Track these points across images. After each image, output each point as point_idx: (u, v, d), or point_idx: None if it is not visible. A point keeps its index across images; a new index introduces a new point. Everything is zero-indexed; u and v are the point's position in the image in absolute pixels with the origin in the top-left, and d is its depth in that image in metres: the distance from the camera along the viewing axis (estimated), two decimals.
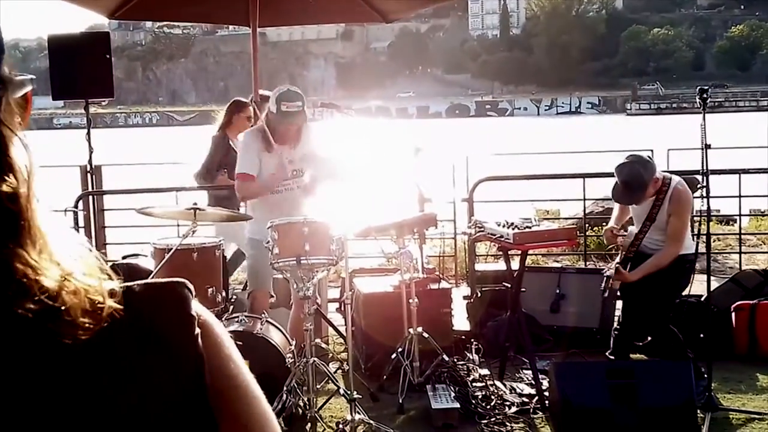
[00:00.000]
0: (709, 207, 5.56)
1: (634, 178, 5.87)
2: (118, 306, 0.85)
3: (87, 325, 0.82)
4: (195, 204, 5.56)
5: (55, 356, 0.81)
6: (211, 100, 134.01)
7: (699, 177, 5.90)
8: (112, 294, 0.86)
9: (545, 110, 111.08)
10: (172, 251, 5.41)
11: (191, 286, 0.92)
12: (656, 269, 5.95)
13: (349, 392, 5.36)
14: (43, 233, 0.83)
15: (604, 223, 10.40)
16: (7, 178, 0.81)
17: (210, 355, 0.90)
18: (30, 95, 0.89)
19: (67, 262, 0.84)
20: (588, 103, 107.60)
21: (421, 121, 76.93)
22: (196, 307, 0.91)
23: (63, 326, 0.81)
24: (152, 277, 5.44)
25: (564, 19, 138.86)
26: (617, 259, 6.15)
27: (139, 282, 0.90)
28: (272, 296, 6.46)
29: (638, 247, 6.06)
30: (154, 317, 0.87)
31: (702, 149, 5.52)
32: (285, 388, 5.34)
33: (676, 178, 6.08)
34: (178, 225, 7.16)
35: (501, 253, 6.73)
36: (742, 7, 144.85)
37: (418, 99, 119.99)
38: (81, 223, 8.77)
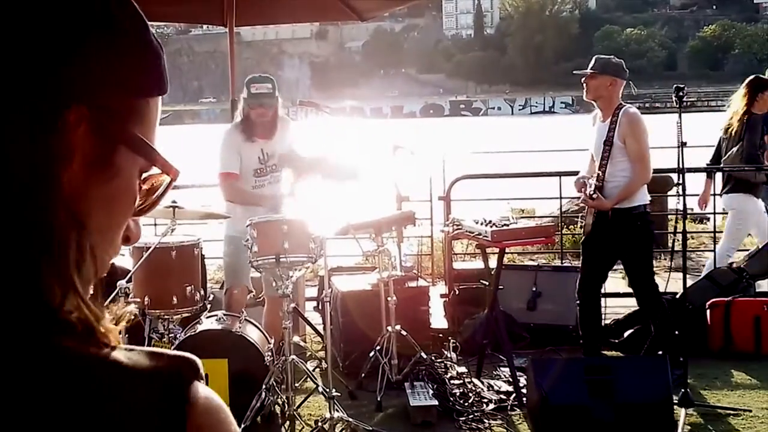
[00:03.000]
0: (685, 205, 5.61)
1: (605, 59, 6.29)
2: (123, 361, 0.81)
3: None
4: (174, 202, 5.54)
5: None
6: (185, 100, 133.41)
7: (673, 175, 5.96)
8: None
9: (519, 110, 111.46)
10: (151, 250, 5.39)
11: (199, 366, 0.85)
12: (629, 193, 6.10)
13: (327, 390, 5.37)
14: (83, 248, 0.80)
15: (579, 221, 10.50)
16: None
17: None
18: (168, 186, 0.91)
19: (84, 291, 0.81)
20: (561, 102, 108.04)
21: (396, 121, 76.97)
22: (199, 390, 0.84)
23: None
24: (131, 276, 5.41)
25: (538, 19, 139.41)
26: (590, 189, 6.19)
27: (142, 348, 0.84)
28: (251, 291, 6.45)
29: (605, 174, 6.15)
30: (146, 387, 0.81)
31: (678, 147, 5.57)
32: (264, 387, 5.33)
33: (628, 105, 6.29)
34: (155, 224, 7.12)
35: (478, 251, 6.76)
36: (714, 7, 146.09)
37: (394, 98, 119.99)
38: None
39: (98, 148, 0.81)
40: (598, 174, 6.17)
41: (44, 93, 0.77)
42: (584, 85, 6.25)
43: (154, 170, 0.88)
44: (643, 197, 6.17)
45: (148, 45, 0.85)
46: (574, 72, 6.48)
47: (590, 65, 6.26)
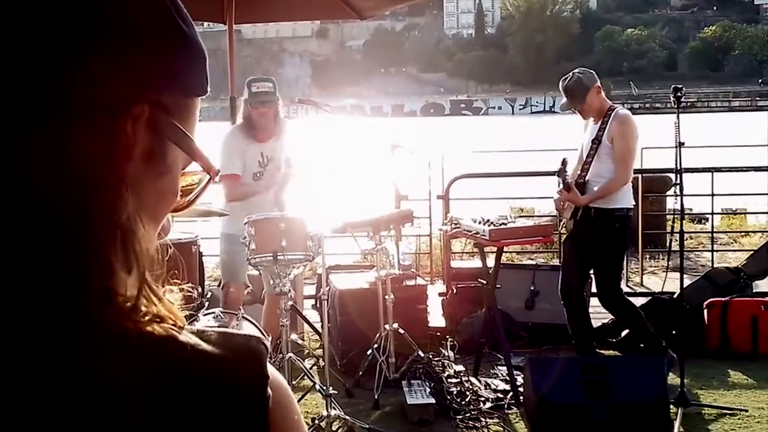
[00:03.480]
0: (682, 204, 5.62)
1: (575, 82, 6.24)
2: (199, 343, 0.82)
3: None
4: None
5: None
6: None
7: (672, 175, 5.97)
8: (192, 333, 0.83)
9: (519, 109, 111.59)
10: None
11: (267, 343, 0.88)
12: (607, 193, 6.13)
13: (324, 388, 5.37)
14: (137, 242, 0.81)
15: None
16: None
17: (279, 419, 0.86)
18: (207, 184, 0.92)
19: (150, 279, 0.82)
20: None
21: (396, 120, 76.98)
22: (272, 370, 0.87)
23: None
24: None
25: (538, 18, 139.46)
26: (567, 176, 6.20)
27: (215, 329, 0.86)
28: (248, 286, 6.45)
29: (587, 172, 6.20)
30: (227, 369, 0.83)
31: (676, 147, 5.57)
32: None
33: (620, 107, 6.35)
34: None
35: (476, 250, 6.76)
36: (715, 8, 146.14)
37: (393, 97, 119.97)
38: None
39: (154, 144, 0.83)
40: (581, 171, 6.20)
41: (113, 89, 0.79)
42: (579, 112, 6.31)
43: (189, 168, 0.90)
44: (628, 200, 6.20)
45: (199, 45, 0.88)
46: (564, 111, 6.53)
47: (570, 95, 6.27)
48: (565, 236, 6.51)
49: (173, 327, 0.82)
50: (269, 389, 0.85)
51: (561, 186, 6.20)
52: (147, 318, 0.81)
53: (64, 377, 0.76)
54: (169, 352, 0.80)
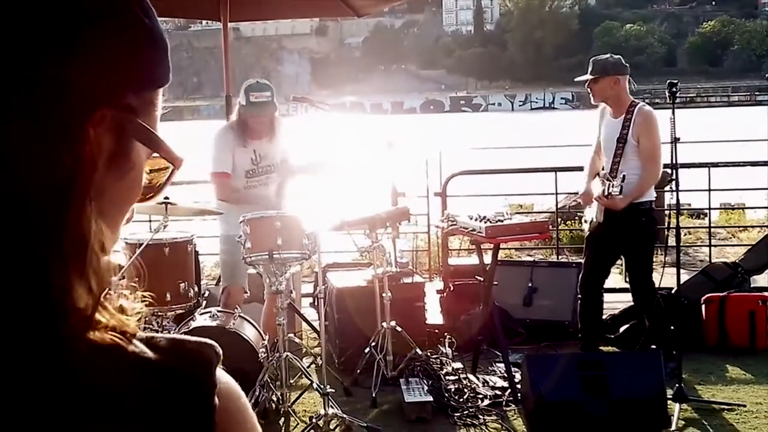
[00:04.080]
0: (678, 200, 5.62)
1: (604, 61, 6.26)
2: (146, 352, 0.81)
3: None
4: (166, 198, 5.54)
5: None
6: (184, 96, 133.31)
7: (669, 170, 5.95)
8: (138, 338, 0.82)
9: (519, 105, 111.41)
10: (143, 246, 5.38)
11: (219, 350, 0.86)
12: (642, 192, 6.07)
13: (322, 386, 5.37)
14: (97, 244, 0.80)
15: (576, 217, 10.50)
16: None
17: (226, 428, 0.83)
18: (172, 174, 0.90)
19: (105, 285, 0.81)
20: (561, 98, 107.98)
21: (396, 117, 76.97)
22: (221, 375, 0.84)
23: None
24: (123, 272, 5.42)
25: (537, 14, 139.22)
26: (606, 189, 6.13)
27: (164, 335, 0.84)
28: (246, 292, 6.45)
29: (617, 172, 6.12)
30: (172, 377, 0.81)
31: (671, 143, 5.57)
32: (258, 383, 5.33)
33: (642, 103, 6.29)
34: (150, 220, 7.11)
35: (474, 247, 6.75)
36: (713, 3, 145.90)
37: (392, 94, 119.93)
38: None
39: (119, 146, 0.82)
40: (610, 171, 6.14)
41: (72, 97, 0.77)
42: (589, 90, 6.25)
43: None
44: (650, 194, 6.18)
45: (161, 37, 0.86)
46: (576, 79, 6.48)
47: (589, 69, 6.24)
48: (588, 234, 6.42)
49: (122, 336, 0.80)
50: (216, 398, 0.82)
51: (601, 193, 6.08)
52: (98, 329, 0.79)
53: (13, 391, 0.75)
54: (115, 363, 0.79)
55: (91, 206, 0.78)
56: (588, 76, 6.24)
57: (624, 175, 6.03)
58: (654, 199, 6.27)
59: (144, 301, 0.87)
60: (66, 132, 0.77)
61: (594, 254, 6.39)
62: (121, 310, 0.83)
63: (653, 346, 6.20)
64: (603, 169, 6.22)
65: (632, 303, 6.65)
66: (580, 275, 6.52)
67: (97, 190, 0.79)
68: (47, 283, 0.76)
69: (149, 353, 0.81)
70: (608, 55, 6.34)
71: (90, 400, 0.77)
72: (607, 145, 6.25)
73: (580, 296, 6.50)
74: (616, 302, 7.42)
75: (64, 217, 0.77)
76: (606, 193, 6.01)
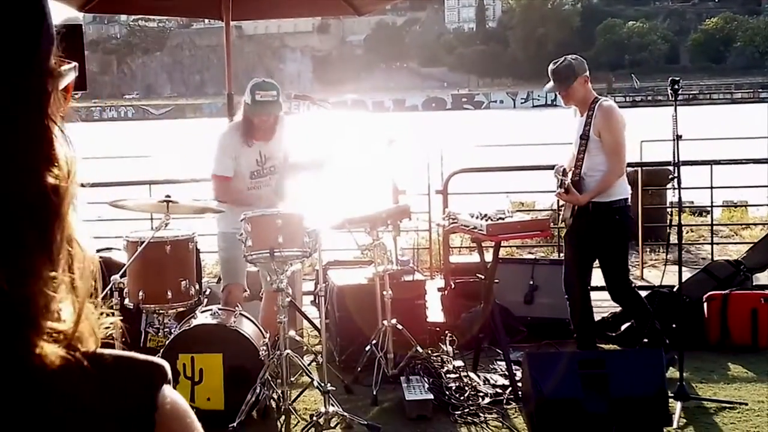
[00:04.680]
0: (680, 198, 5.60)
1: (565, 67, 6.20)
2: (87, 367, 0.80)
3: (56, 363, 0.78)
4: (168, 196, 5.54)
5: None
6: (187, 94, 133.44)
7: (671, 168, 5.95)
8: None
9: (521, 103, 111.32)
10: (145, 244, 5.38)
11: (167, 371, 0.85)
12: (605, 187, 6.09)
13: (323, 384, 5.36)
14: (71, 241, 0.80)
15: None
16: (51, 170, 0.78)
17: None
18: (71, 85, 0.86)
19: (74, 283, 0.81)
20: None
21: (398, 114, 76.96)
22: (166, 394, 0.84)
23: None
24: (125, 270, 5.41)
25: (539, 12, 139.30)
26: (558, 184, 6.19)
27: (112, 352, 0.84)
28: (246, 291, 6.44)
29: (581, 169, 6.16)
30: (116, 393, 0.81)
31: (673, 140, 5.56)
32: (258, 381, 5.33)
33: (603, 98, 6.31)
34: (152, 218, 7.12)
35: (475, 244, 6.74)
36: (716, 0, 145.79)
37: (394, 92, 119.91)
38: None
39: (62, 108, 0.82)
40: (574, 168, 6.18)
41: (29, 90, 0.79)
42: (562, 97, 6.28)
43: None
44: (623, 191, 6.18)
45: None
46: (546, 92, 6.49)
47: (553, 79, 6.23)
48: (564, 232, 6.48)
49: (72, 352, 0.80)
50: (156, 417, 0.82)
51: (559, 189, 6.17)
52: (51, 342, 0.78)
53: None
54: (61, 381, 0.78)
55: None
56: (559, 86, 6.23)
57: (563, 169, 6.10)
58: (628, 196, 6.26)
59: (114, 315, 0.86)
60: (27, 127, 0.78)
61: (570, 253, 6.40)
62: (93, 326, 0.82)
63: (645, 340, 6.23)
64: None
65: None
66: (562, 275, 6.51)
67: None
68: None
69: (92, 371, 0.80)
70: (565, 58, 6.31)
71: (28, 415, 0.76)
72: (574, 142, 6.29)
73: (566, 296, 6.49)
74: None
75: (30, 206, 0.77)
76: (559, 189, 6.10)
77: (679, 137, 5.54)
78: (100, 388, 0.80)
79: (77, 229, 0.82)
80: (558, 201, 9.37)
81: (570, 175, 6.15)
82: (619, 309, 7.16)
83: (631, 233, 6.41)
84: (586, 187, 6.13)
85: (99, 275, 0.85)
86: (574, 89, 6.17)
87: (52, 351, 0.78)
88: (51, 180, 0.78)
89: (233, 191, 6.17)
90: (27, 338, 0.77)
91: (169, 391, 0.84)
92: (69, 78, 0.84)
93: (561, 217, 6.49)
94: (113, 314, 0.88)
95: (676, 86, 5.61)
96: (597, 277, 6.45)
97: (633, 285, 6.31)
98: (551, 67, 6.26)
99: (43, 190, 0.77)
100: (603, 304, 6.88)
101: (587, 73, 6.26)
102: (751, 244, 8.15)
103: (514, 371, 5.96)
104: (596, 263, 6.36)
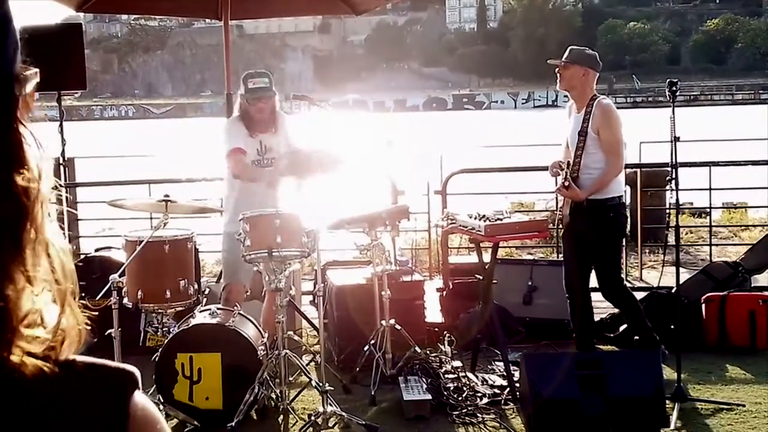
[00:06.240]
0: (677, 199, 5.62)
1: (577, 50, 6.38)
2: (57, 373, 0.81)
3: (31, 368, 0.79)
4: (167, 195, 5.54)
5: None
6: (188, 93, 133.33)
7: (669, 169, 5.96)
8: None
9: (522, 103, 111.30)
10: (143, 243, 5.39)
11: (138, 377, 0.87)
12: (603, 185, 6.16)
13: (321, 384, 5.37)
14: (45, 243, 0.81)
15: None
16: (22, 172, 0.79)
17: None
18: (33, 90, 0.88)
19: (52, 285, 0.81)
20: (565, 96, 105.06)
21: (399, 115, 76.92)
22: (137, 401, 0.85)
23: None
24: (123, 269, 5.42)
25: (541, 12, 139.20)
26: (562, 178, 6.24)
27: (85, 359, 0.84)
28: (247, 291, 6.45)
29: (579, 165, 6.19)
30: (85, 403, 0.82)
31: (671, 142, 5.57)
32: (257, 381, 5.34)
33: (602, 96, 6.34)
34: (151, 217, 7.13)
35: (473, 245, 6.75)
36: (717, 1, 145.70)
37: (395, 92, 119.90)
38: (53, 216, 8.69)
39: (29, 112, 0.84)
40: (570, 164, 6.20)
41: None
42: (557, 75, 6.31)
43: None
44: (618, 189, 6.24)
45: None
46: (548, 61, 6.54)
47: (564, 55, 6.31)
48: (563, 231, 6.51)
49: (47, 360, 0.80)
50: (128, 424, 0.83)
51: (559, 184, 6.21)
52: (21, 351, 0.79)
53: None
54: (34, 389, 0.79)
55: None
56: (560, 61, 6.31)
57: (568, 162, 6.13)
58: (622, 194, 6.31)
59: (86, 315, 0.86)
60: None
61: (569, 251, 6.43)
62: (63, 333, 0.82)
63: (636, 338, 6.27)
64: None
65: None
66: (563, 275, 6.55)
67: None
68: None
69: (65, 378, 0.81)
70: (586, 48, 6.42)
71: (9, 418, 0.77)
72: (571, 139, 6.33)
73: (566, 296, 6.52)
74: None
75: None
76: (562, 184, 6.16)
77: (677, 139, 5.55)
78: (72, 396, 0.81)
79: (52, 231, 0.82)
80: (556, 201, 9.40)
81: (567, 171, 6.18)
82: (617, 311, 7.18)
83: (624, 231, 6.44)
84: (582, 184, 6.16)
85: (75, 277, 0.85)
86: (574, 70, 6.26)
87: (27, 358, 0.78)
88: (21, 182, 0.79)
89: (249, 165, 6.17)
90: (2, 344, 0.77)
91: (140, 398, 0.85)
92: (33, 82, 0.85)
93: (559, 214, 6.50)
94: (90, 311, 0.87)
95: (674, 88, 5.63)
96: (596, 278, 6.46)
97: (625, 284, 6.34)
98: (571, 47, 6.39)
99: (14, 193, 0.78)
100: (602, 305, 6.88)
101: (595, 70, 6.32)
102: (750, 246, 8.15)
103: (512, 372, 5.97)
104: None
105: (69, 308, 0.83)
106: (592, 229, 6.19)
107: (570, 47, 6.41)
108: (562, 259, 8.54)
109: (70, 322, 0.83)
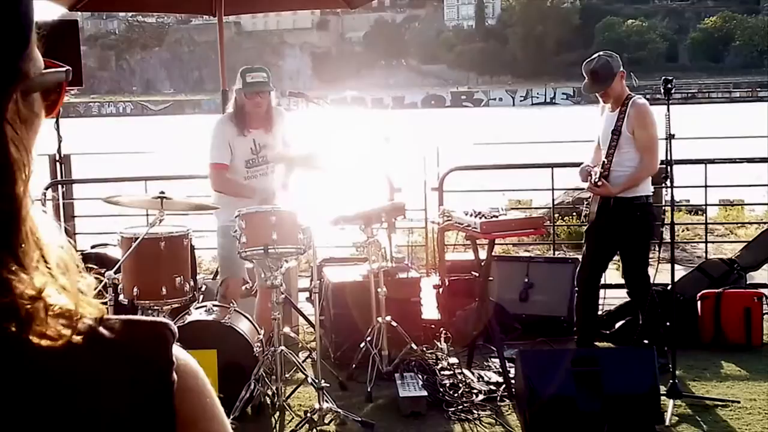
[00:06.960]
0: (672, 196, 5.63)
1: (602, 66, 6.22)
2: (100, 332, 0.82)
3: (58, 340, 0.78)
4: (162, 192, 5.55)
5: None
6: (186, 90, 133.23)
7: (664, 166, 5.97)
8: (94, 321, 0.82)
9: (520, 101, 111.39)
10: (139, 240, 5.39)
11: (174, 329, 0.87)
12: (635, 182, 6.17)
13: (317, 381, 5.38)
14: (36, 236, 0.81)
15: (574, 213, 10.52)
16: (5, 176, 0.79)
17: (186, 405, 0.85)
18: (64, 85, 0.87)
19: (53, 272, 0.81)
20: (563, 93, 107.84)
21: (397, 112, 76.93)
22: (178, 352, 0.86)
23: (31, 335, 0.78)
24: (119, 266, 5.42)
25: (539, 9, 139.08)
26: (595, 176, 6.24)
27: (120, 317, 0.85)
28: (246, 282, 6.45)
29: (611, 164, 6.19)
30: (130, 355, 0.82)
31: (666, 139, 5.58)
32: (253, 377, 5.34)
33: (637, 96, 6.34)
34: (147, 214, 7.13)
35: (470, 242, 6.76)
36: None
37: (393, 89, 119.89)
38: (50, 213, 8.69)
39: (28, 109, 0.83)
40: (604, 162, 6.21)
41: None
42: (601, 97, 6.29)
43: None
44: (646, 188, 6.25)
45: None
46: (585, 92, 6.47)
47: (591, 79, 6.24)
48: (587, 227, 6.54)
49: (72, 320, 0.81)
50: (174, 374, 0.84)
51: (592, 181, 6.19)
52: (49, 314, 0.79)
53: None
54: (68, 346, 0.79)
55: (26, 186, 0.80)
56: (599, 87, 6.24)
57: (604, 162, 6.15)
58: (651, 194, 6.31)
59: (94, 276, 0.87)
60: None
61: (591, 248, 6.45)
62: (77, 291, 0.83)
63: (645, 341, 6.25)
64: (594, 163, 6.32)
65: (628, 299, 6.71)
66: (577, 268, 6.57)
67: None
68: None
69: (106, 333, 0.82)
70: (598, 57, 6.30)
71: (48, 389, 0.78)
72: (604, 137, 6.33)
73: (577, 289, 6.54)
74: (612, 298, 7.44)
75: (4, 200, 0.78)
76: (593, 181, 6.16)
77: (671, 136, 5.55)
78: (114, 351, 0.82)
79: (43, 225, 0.83)
80: (554, 199, 9.40)
81: (599, 170, 6.20)
82: (613, 307, 7.20)
83: (652, 230, 6.43)
84: (614, 181, 6.17)
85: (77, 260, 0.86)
86: (613, 88, 6.22)
87: (52, 329, 0.79)
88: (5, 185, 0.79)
89: (231, 181, 6.18)
90: (21, 324, 0.78)
91: (179, 350, 0.86)
92: (47, 81, 0.85)
93: (586, 212, 6.54)
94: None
95: (669, 86, 5.64)
96: None
97: (650, 281, 6.31)
98: (588, 67, 6.27)
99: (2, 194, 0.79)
100: (600, 303, 6.87)
101: (622, 67, 6.31)
102: (746, 243, 8.16)
103: (508, 369, 5.98)
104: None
105: (81, 279, 0.84)
106: (619, 228, 6.22)
107: (591, 69, 6.25)
108: (559, 256, 8.59)
109: (87, 291, 0.84)
